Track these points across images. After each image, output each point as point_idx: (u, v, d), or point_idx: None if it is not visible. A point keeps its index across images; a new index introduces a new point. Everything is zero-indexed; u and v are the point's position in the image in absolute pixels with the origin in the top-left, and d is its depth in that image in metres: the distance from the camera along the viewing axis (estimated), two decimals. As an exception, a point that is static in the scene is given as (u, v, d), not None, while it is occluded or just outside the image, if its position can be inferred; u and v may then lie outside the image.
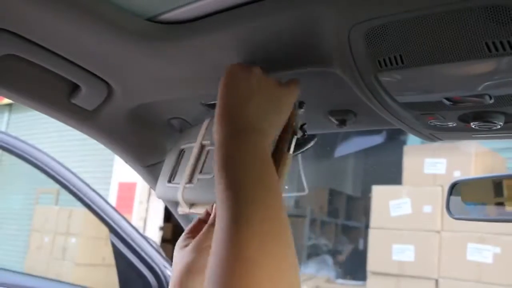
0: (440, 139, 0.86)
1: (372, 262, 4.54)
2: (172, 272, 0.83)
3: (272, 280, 0.54)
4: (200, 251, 0.81)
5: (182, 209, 0.92)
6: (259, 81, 0.72)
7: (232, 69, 0.74)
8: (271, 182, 0.65)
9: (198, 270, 0.79)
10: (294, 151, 0.79)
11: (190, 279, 0.79)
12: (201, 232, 0.84)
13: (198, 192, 0.88)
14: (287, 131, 0.75)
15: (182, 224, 1.30)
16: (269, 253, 0.57)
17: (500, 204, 1.15)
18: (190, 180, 0.90)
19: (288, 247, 0.61)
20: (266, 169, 0.66)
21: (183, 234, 0.87)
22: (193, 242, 0.82)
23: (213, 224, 0.78)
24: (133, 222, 4.43)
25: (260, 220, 0.59)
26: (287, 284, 0.56)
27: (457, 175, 4.06)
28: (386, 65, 0.63)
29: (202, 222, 0.87)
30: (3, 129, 7.51)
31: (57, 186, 1.62)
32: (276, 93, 0.73)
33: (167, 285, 1.55)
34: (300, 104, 0.77)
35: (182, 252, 0.83)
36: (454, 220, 1.22)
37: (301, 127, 0.78)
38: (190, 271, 0.80)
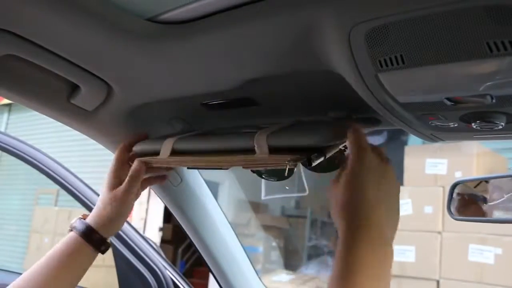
0: (441, 140, 0.86)
1: (373, 263, 4.53)
2: None
3: None
4: None
5: None
6: (387, 172, 0.73)
7: (362, 154, 0.73)
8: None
9: None
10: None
11: None
12: None
13: None
14: None
15: (183, 226, 1.30)
16: None
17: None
18: None
19: None
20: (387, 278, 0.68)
21: None
22: None
23: None
24: (133, 223, 4.42)
25: None
26: None
27: (459, 176, 4.05)
28: (386, 65, 0.63)
29: None
30: (2, 130, 7.52)
31: (56, 186, 1.61)
32: (395, 187, 0.74)
33: (167, 286, 1.54)
34: None
35: None
36: (455, 221, 1.21)
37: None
38: None
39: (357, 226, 0.67)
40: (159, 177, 1.11)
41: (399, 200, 0.74)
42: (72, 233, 0.96)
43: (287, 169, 0.77)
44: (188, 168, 0.98)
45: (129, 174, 1.00)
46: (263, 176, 0.99)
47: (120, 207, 0.99)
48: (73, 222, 0.98)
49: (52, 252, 0.95)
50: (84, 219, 0.98)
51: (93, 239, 0.96)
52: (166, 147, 0.94)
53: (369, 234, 0.67)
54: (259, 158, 0.80)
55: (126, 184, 0.99)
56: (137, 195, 1.02)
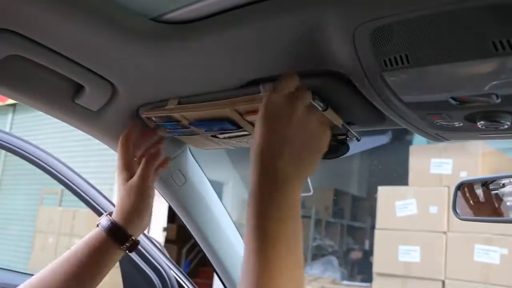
0: (447, 139, 0.85)
1: (378, 263, 4.54)
2: None
3: None
4: None
5: None
6: (302, 121, 0.72)
7: (274, 101, 0.72)
8: (298, 236, 0.72)
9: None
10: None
11: None
12: None
13: None
14: None
15: (187, 226, 1.30)
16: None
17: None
18: None
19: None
20: (296, 224, 0.72)
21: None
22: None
23: None
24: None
25: (282, 274, 0.66)
26: None
27: (464, 176, 4.04)
28: (391, 64, 0.63)
29: None
30: (7, 130, 7.55)
31: (61, 187, 1.61)
32: (316, 136, 0.75)
33: (171, 286, 1.54)
34: None
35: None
36: (460, 221, 1.21)
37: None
38: None
39: (262, 169, 0.70)
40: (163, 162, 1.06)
41: (319, 146, 0.75)
42: (97, 229, 0.95)
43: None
44: (194, 121, 0.94)
45: (142, 162, 0.99)
46: None
47: (140, 195, 0.97)
48: (100, 218, 0.97)
49: (75, 248, 0.93)
50: (111, 216, 0.97)
51: (117, 235, 0.94)
52: (171, 102, 0.94)
53: (272, 176, 0.69)
54: (263, 94, 0.79)
55: (140, 170, 0.98)
56: (151, 181, 1.00)
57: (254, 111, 0.83)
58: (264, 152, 0.70)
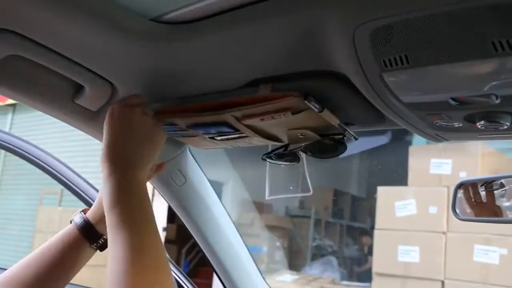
0: (446, 140, 0.85)
1: (377, 264, 4.53)
2: None
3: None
4: None
5: None
6: (138, 121, 0.86)
7: (115, 109, 0.87)
8: (151, 211, 0.81)
9: None
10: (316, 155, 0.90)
11: None
12: None
13: None
14: None
15: (187, 226, 1.30)
16: (156, 278, 0.73)
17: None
18: None
19: (167, 267, 0.77)
20: (148, 201, 0.81)
21: None
22: None
23: None
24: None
25: (149, 249, 0.76)
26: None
27: (463, 176, 4.04)
28: (391, 65, 0.63)
29: None
30: (6, 130, 7.54)
31: (60, 186, 1.61)
32: (151, 132, 0.88)
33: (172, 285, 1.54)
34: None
35: None
36: (460, 221, 1.21)
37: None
38: None
39: (106, 167, 0.83)
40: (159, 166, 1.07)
41: (154, 139, 0.90)
42: (70, 226, 0.95)
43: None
44: (192, 125, 0.95)
45: None
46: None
47: None
48: (73, 215, 0.97)
49: (49, 243, 0.93)
50: (85, 213, 0.97)
51: (89, 233, 0.94)
52: (171, 101, 0.95)
53: (115, 169, 0.83)
54: (262, 94, 0.80)
55: None
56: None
57: (251, 116, 0.83)
58: (113, 146, 0.85)
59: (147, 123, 0.88)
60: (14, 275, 0.89)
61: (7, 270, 0.90)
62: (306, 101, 0.76)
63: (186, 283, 1.57)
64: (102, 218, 0.94)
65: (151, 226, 0.79)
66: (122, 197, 0.79)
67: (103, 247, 0.95)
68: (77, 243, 0.94)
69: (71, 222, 0.96)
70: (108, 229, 0.77)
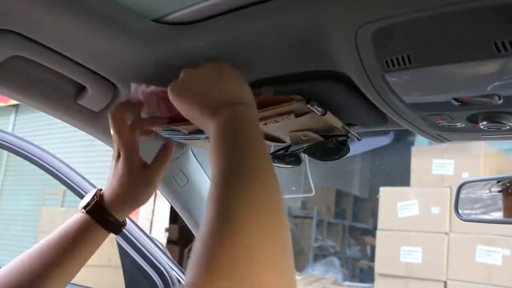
0: (448, 140, 0.85)
1: (380, 264, 4.53)
2: None
3: (271, 267, 0.48)
4: None
5: None
6: (215, 70, 0.72)
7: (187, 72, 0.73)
8: (266, 156, 0.62)
9: None
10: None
11: None
12: None
13: None
14: None
15: (189, 226, 1.30)
16: (267, 236, 0.51)
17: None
18: None
19: (284, 227, 0.53)
20: (261, 143, 0.62)
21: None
22: None
23: None
24: (139, 223, 4.43)
25: (258, 197, 0.55)
26: (284, 272, 0.50)
27: (466, 176, 4.04)
28: (393, 65, 0.62)
29: None
30: (9, 130, 7.55)
31: (63, 187, 1.62)
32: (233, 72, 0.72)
33: (173, 286, 1.55)
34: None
35: None
36: (462, 222, 1.21)
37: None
38: None
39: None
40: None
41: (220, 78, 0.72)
42: (81, 211, 0.85)
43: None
44: (194, 131, 0.93)
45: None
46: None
47: (151, 184, 0.89)
48: (85, 199, 0.87)
49: (57, 232, 0.84)
50: (99, 198, 0.86)
51: (105, 220, 0.85)
52: None
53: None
54: (264, 98, 0.80)
55: (160, 156, 0.91)
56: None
57: None
58: (201, 91, 0.69)
59: (227, 68, 0.73)
60: (20, 264, 0.82)
61: (13, 261, 0.83)
62: (308, 105, 0.76)
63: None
64: (120, 205, 0.87)
65: (269, 165, 0.61)
66: (240, 138, 0.62)
67: (116, 229, 0.87)
68: (90, 228, 0.84)
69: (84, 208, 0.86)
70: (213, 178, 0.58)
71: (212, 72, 0.72)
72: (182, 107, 0.71)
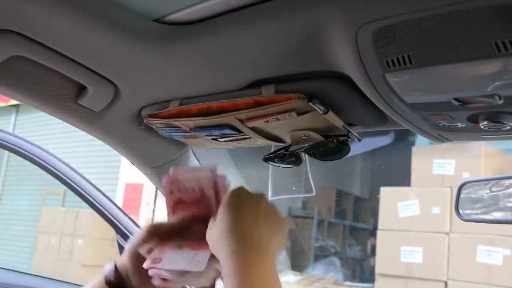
0: (449, 140, 0.85)
1: (380, 264, 4.53)
2: None
3: None
4: None
5: None
6: (266, 209, 0.79)
7: (241, 192, 0.81)
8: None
9: None
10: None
11: None
12: None
13: None
14: None
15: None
16: None
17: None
18: None
19: None
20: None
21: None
22: None
23: None
24: (140, 224, 4.42)
25: None
26: None
27: (466, 176, 4.04)
28: (394, 65, 0.62)
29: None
30: (10, 130, 7.55)
31: (63, 187, 1.62)
32: (279, 220, 0.80)
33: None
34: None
35: None
36: (463, 222, 1.21)
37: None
38: None
39: (240, 249, 0.74)
40: None
41: (280, 224, 0.81)
42: (100, 279, 0.86)
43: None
44: (195, 128, 0.94)
45: None
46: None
47: None
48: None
49: None
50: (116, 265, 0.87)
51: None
52: (173, 103, 0.94)
53: (251, 254, 0.73)
54: (266, 96, 0.80)
55: None
56: None
57: (255, 118, 0.83)
58: (238, 224, 0.76)
59: (275, 211, 0.82)
60: None
61: None
62: (311, 103, 0.76)
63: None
64: (134, 271, 0.86)
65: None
66: (257, 281, 0.71)
67: None
68: None
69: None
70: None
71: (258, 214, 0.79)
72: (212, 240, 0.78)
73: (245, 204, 0.79)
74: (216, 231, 0.77)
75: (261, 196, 0.81)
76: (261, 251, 0.74)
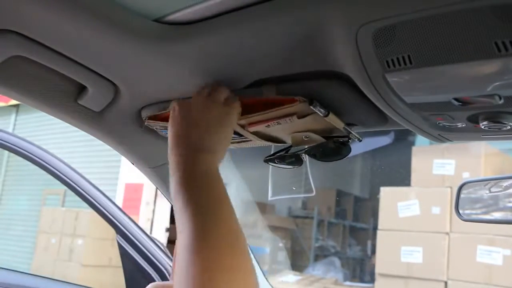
0: (449, 140, 0.85)
1: (380, 264, 4.53)
2: None
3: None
4: None
5: None
6: (205, 105, 0.81)
7: (198, 102, 0.82)
8: (223, 196, 0.74)
9: None
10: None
11: None
12: None
13: None
14: None
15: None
16: (226, 264, 0.64)
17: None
18: None
19: (242, 254, 0.67)
20: (218, 185, 0.75)
21: None
22: None
23: None
24: (140, 223, 4.43)
25: (216, 234, 0.67)
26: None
27: (466, 176, 4.04)
28: (394, 65, 0.62)
29: None
30: (10, 130, 7.55)
31: (63, 187, 1.62)
32: (221, 114, 0.82)
33: (174, 286, 1.54)
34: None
35: None
36: (463, 222, 1.21)
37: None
38: None
39: (175, 154, 0.78)
40: None
41: (224, 120, 0.82)
42: None
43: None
44: None
45: None
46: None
47: None
48: None
49: None
50: None
51: None
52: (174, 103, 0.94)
53: (186, 155, 0.77)
54: (267, 96, 0.80)
55: None
56: None
57: (257, 123, 0.83)
58: (182, 131, 0.81)
59: (216, 105, 0.83)
60: None
61: None
62: (311, 107, 0.76)
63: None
64: None
65: (220, 208, 0.72)
66: (188, 179, 0.74)
67: None
68: None
69: None
70: (175, 217, 0.72)
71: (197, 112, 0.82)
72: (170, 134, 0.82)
73: (188, 107, 0.82)
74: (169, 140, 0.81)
75: (200, 92, 0.84)
76: (205, 153, 0.77)
